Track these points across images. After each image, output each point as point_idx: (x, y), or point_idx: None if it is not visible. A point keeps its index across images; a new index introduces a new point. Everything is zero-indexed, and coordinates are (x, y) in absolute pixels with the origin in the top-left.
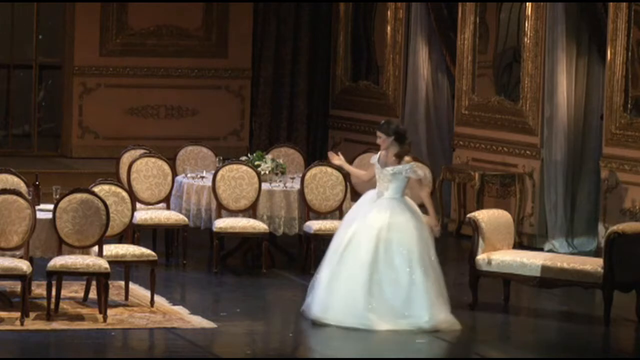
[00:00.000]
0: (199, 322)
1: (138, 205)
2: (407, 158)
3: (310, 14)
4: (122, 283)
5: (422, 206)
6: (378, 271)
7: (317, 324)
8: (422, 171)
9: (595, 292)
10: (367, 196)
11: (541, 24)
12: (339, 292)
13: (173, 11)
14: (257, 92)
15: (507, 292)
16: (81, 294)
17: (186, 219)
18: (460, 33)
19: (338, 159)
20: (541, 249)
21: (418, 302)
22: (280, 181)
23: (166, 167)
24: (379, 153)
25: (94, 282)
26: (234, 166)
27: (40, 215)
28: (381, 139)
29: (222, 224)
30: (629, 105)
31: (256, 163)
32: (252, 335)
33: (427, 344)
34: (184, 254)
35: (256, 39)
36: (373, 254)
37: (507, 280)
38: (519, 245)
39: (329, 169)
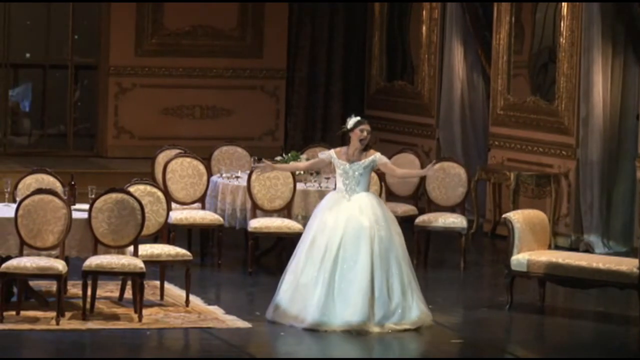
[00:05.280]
0: (234, 321)
1: (173, 205)
2: (371, 150)
3: (345, 14)
4: (158, 283)
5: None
6: (376, 272)
7: (313, 330)
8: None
9: (630, 292)
10: (333, 197)
11: (577, 24)
12: (342, 296)
13: (208, 11)
14: (292, 92)
15: (542, 293)
16: (116, 294)
17: (221, 218)
18: (495, 33)
19: (265, 168)
20: (577, 250)
21: (409, 297)
22: (315, 181)
23: (201, 167)
24: (332, 152)
25: (129, 282)
26: None
27: (75, 215)
28: (370, 133)
29: (257, 223)
30: None
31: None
32: (287, 335)
33: (462, 343)
34: (219, 253)
35: (291, 39)
36: (370, 255)
37: (543, 280)
38: (554, 245)
39: None
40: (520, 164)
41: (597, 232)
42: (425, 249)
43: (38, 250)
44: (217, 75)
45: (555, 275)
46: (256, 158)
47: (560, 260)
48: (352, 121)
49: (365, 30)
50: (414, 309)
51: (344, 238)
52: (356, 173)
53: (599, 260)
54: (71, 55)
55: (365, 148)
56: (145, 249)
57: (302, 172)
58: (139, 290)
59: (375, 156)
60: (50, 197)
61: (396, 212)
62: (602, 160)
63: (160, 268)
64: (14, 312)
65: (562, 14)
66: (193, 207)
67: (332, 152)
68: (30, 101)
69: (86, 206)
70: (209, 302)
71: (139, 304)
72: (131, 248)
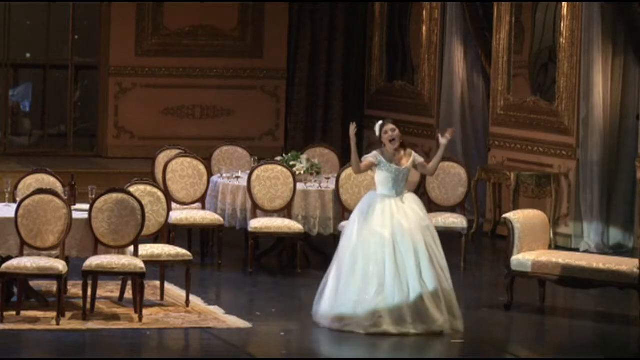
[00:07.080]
0: (234, 322)
1: (173, 205)
2: (407, 149)
3: (345, 14)
4: (158, 283)
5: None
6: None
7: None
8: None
9: (630, 292)
10: (388, 201)
11: (577, 24)
12: (417, 299)
13: (209, 11)
14: (293, 92)
15: (542, 293)
16: (117, 294)
17: (221, 219)
18: (495, 33)
19: (354, 131)
20: (577, 250)
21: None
22: (316, 181)
23: (201, 167)
24: (377, 154)
25: (129, 282)
26: (269, 166)
27: (76, 215)
28: (394, 130)
29: (257, 224)
30: None
31: (291, 163)
32: (287, 335)
33: (462, 344)
34: (219, 253)
35: (291, 39)
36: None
37: (543, 280)
38: (554, 245)
39: None
40: (520, 164)
41: (597, 232)
42: None
43: (38, 251)
44: (217, 75)
45: (555, 275)
46: (256, 158)
47: (560, 260)
48: (377, 127)
49: (365, 30)
50: None
51: (425, 238)
52: (405, 176)
53: (599, 260)
54: (71, 55)
55: (401, 145)
56: (146, 249)
57: (300, 173)
58: (139, 290)
59: (413, 156)
60: (50, 197)
61: None
62: (602, 160)
63: (160, 268)
64: (14, 312)
65: (562, 14)
66: (193, 207)
67: (378, 155)
68: (30, 101)
69: (86, 206)
70: (209, 302)
71: (139, 304)
72: (131, 248)
